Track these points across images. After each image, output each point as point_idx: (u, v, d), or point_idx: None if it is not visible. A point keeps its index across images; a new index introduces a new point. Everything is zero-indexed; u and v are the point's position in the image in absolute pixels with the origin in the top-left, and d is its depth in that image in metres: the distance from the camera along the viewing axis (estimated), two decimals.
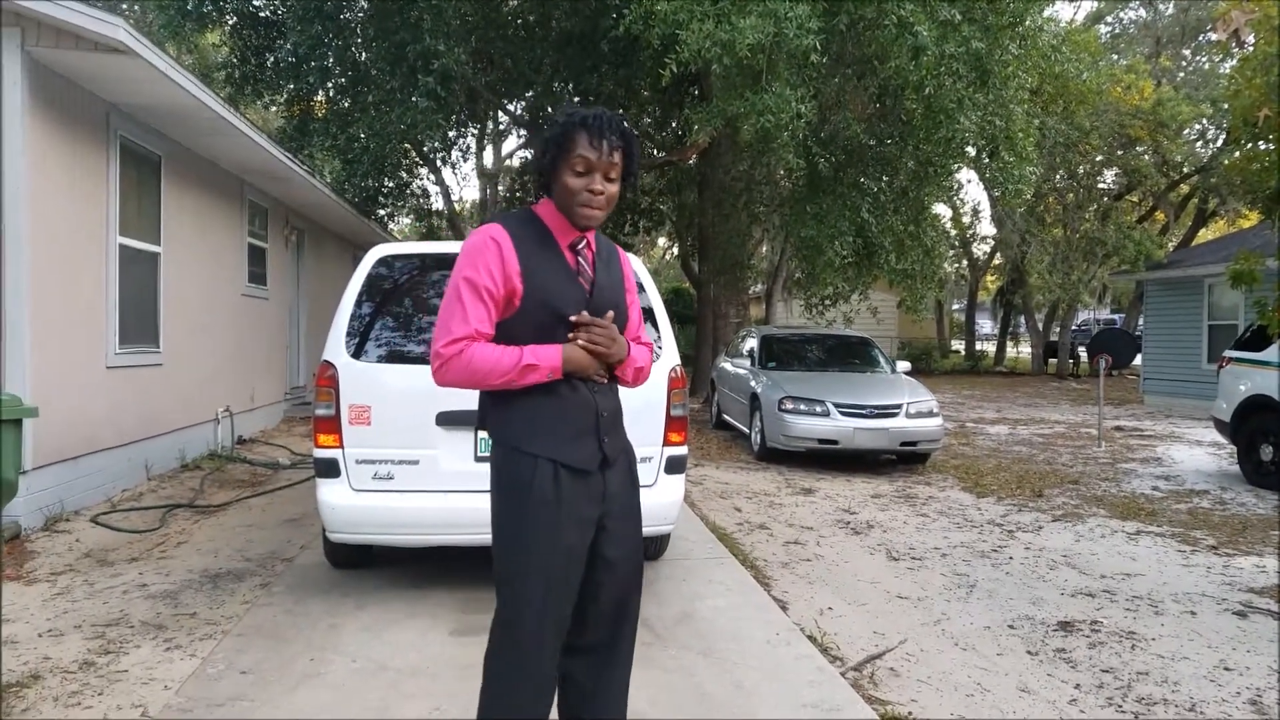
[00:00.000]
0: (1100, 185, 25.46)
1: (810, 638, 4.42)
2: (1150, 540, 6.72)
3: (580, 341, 2.37)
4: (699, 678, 3.86)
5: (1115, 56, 24.28)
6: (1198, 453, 11.39)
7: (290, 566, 5.48)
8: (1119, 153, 23.71)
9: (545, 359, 2.32)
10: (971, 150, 12.65)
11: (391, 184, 17.71)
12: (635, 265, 5.30)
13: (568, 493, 2.35)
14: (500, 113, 19.29)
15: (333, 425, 4.65)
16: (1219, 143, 23.11)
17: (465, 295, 2.31)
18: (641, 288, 5.19)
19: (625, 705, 2.60)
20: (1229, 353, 9.84)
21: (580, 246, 2.44)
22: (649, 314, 5.14)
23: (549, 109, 17.55)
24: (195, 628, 4.39)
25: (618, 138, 2.32)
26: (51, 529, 6.12)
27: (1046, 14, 12.43)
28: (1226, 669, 4.20)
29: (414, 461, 4.66)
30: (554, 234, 2.40)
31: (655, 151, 18.22)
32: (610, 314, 2.42)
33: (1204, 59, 25.35)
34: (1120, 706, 3.77)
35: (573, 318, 2.37)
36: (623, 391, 2.63)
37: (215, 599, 4.85)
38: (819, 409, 9.52)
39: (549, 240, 2.39)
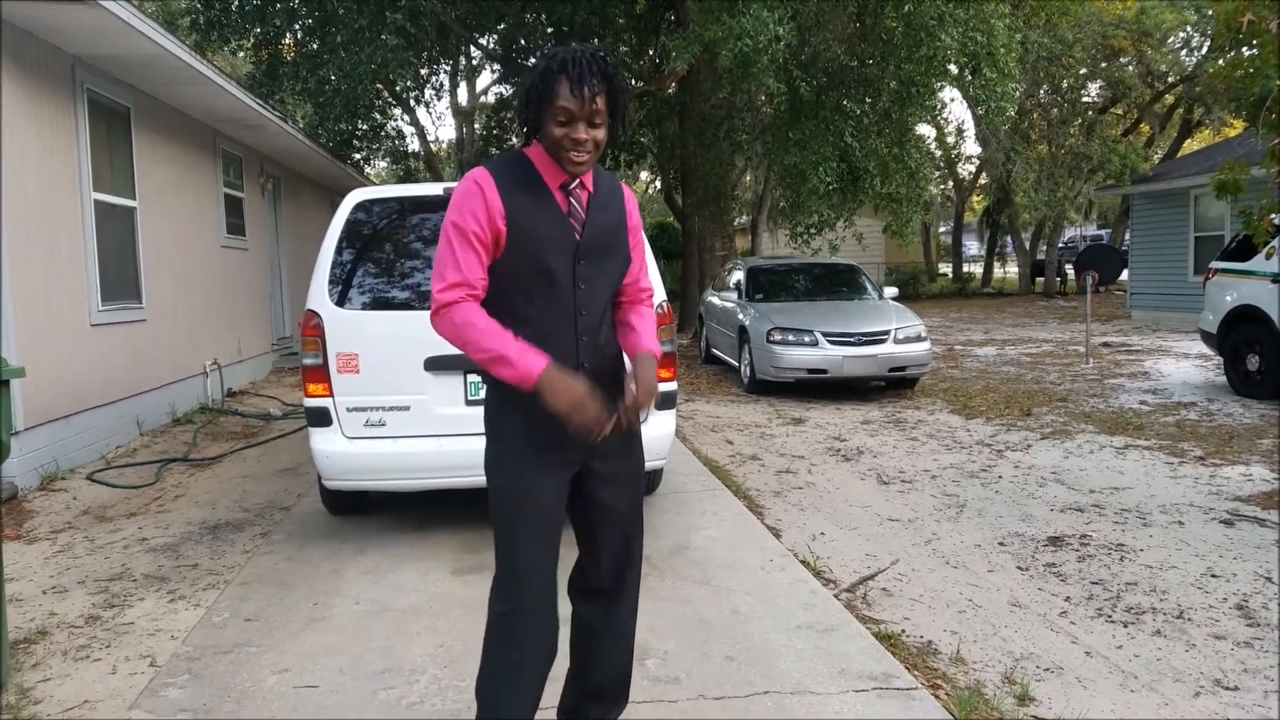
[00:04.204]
0: (1084, 99, 25.20)
1: (804, 562, 4.50)
2: (1138, 454, 6.81)
3: (589, 416, 2.24)
4: (697, 606, 3.94)
5: None
6: (1185, 365, 11.50)
7: (288, 515, 5.53)
8: (1103, 65, 23.44)
9: (524, 365, 2.20)
10: (953, 68, 12.46)
11: (365, 126, 17.38)
12: None
13: (550, 426, 2.28)
14: (472, 47, 18.87)
15: (321, 374, 4.64)
16: (1203, 50, 22.85)
17: (454, 241, 2.26)
18: None
19: (631, 645, 2.64)
20: (1215, 264, 9.85)
21: (572, 187, 2.35)
22: None
23: (522, 41, 17.13)
24: (198, 578, 4.44)
25: (600, 81, 2.22)
26: (48, 488, 6.14)
27: None
28: (1214, 576, 4.30)
29: (405, 407, 4.67)
30: (543, 176, 2.33)
31: (633, 81, 17.89)
32: (647, 410, 2.37)
33: None
34: (1110, 616, 3.86)
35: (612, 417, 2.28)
36: None
37: (216, 549, 4.89)
38: (807, 339, 9.54)
39: (537, 182, 2.33)
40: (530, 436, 2.32)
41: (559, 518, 2.40)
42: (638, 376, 2.37)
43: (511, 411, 2.34)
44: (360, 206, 4.97)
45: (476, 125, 26.05)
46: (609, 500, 2.46)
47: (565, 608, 2.48)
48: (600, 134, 2.27)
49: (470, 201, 2.27)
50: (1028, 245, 30.14)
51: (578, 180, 2.35)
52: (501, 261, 2.29)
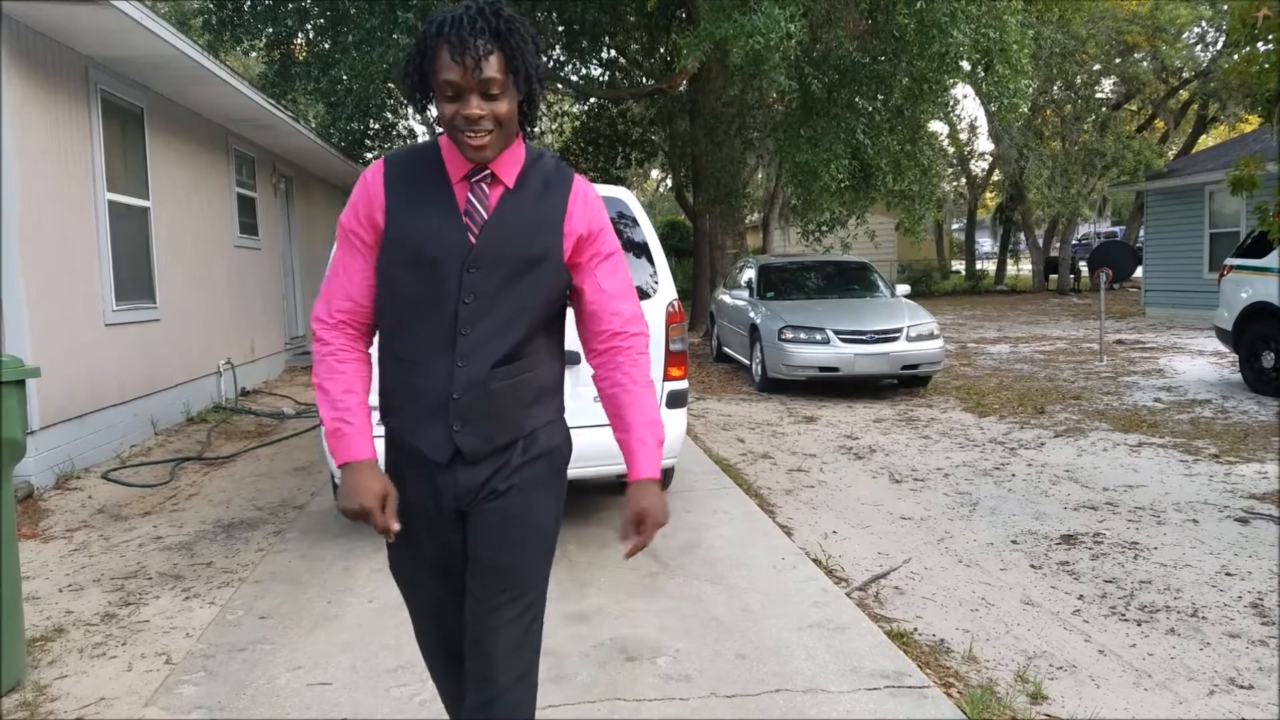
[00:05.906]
0: (1098, 95, 25.09)
1: (815, 561, 4.49)
2: (1152, 451, 6.77)
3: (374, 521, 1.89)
4: (707, 603, 3.94)
5: None
6: (1199, 363, 11.42)
7: (302, 513, 5.55)
8: (1116, 61, 23.31)
9: (337, 445, 1.93)
10: (966, 65, 12.43)
11: (377, 126, 17.45)
12: (626, 200, 5.22)
13: (408, 474, 1.99)
14: None
15: None
16: (1218, 46, 22.68)
17: (340, 247, 2.00)
18: (635, 222, 5.14)
19: None
20: (1230, 260, 9.78)
21: (478, 179, 1.91)
22: (644, 249, 5.10)
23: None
24: (212, 576, 4.47)
25: (488, 40, 1.75)
26: (63, 487, 6.19)
27: None
28: (1228, 574, 4.27)
29: None
30: (446, 165, 1.92)
31: (644, 79, 17.90)
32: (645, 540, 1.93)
33: None
34: (1123, 615, 3.84)
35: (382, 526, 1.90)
36: None
37: (230, 548, 4.92)
38: (819, 337, 9.52)
39: (435, 172, 1.93)
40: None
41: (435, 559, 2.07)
42: (630, 508, 1.91)
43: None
44: None
45: None
46: (486, 560, 1.98)
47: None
48: (501, 107, 1.80)
49: (356, 195, 1.97)
50: (1041, 242, 29.98)
51: (488, 172, 1.91)
52: (378, 265, 1.95)
